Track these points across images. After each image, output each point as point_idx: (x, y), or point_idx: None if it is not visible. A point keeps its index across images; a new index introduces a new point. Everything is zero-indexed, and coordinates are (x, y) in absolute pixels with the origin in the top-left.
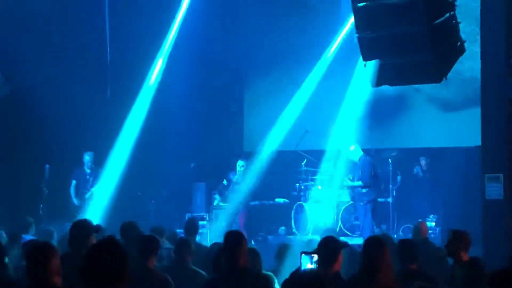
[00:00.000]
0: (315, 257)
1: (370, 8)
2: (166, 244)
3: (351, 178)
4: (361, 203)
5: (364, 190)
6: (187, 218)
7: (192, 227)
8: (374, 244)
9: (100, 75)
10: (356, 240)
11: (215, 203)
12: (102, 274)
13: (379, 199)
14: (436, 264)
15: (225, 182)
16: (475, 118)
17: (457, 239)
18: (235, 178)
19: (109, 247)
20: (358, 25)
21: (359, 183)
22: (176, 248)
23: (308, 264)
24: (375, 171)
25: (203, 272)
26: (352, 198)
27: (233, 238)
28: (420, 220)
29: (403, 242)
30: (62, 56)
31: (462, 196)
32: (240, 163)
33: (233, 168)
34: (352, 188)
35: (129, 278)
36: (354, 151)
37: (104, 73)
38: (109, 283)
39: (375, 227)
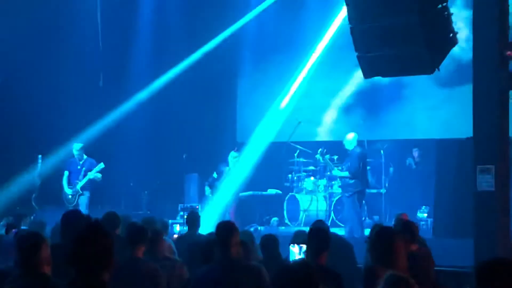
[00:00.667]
0: (304, 247)
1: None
2: None
3: (341, 168)
4: (346, 194)
5: (351, 181)
6: (179, 209)
7: (193, 219)
8: (387, 235)
9: (92, 64)
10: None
11: (206, 193)
12: (89, 258)
13: (371, 190)
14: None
15: (215, 175)
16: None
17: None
18: (227, 169)
19: (95, 231)
20: (350, 16)
21: (346, 173)
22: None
23: (297, 255)
24: (364, 163)
25: None
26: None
27: (225, 229)
28: (402, 212)
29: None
30: (54, 45)
31: (454, 187)
32: (233, 154)
33: (224, 160)
34: (340, 178)
35: (114, 263)
36: (351, 140)
37: (96, 62)
38: (96, 267)
39: (367, 218)
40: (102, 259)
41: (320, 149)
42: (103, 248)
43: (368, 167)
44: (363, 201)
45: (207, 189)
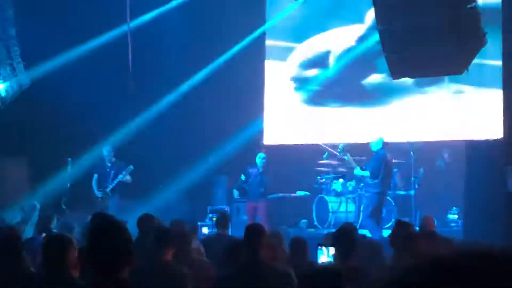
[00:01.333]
0: (332, 250)
1: (390, 0)
2: None
3: (364, 167)
4: (366, 194)
5: (370, 182)
6: (208, 211)
7: (224, 220)
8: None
9: (123, 68)
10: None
11: (235, 196)
12: (105, 255)
13: (400, 192)
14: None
15: (243, 177)
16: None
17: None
18: (255, 171)
19: (110, 227)
20: (378, 17)
21: (367, 173)
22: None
23: (325, 257)
24: (387, 165)
25: None
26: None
27: (254, 231)
28: (427, 214)
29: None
30: (84, 48)
31: (485, 188)
32: (260, 155)
33: (251, 162)
34: (361, 178)
35: (133, 262)
36: (376, 142)
37: (126, 66)
38: (114, 264)
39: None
40: (119, 255)
41: (341, 144)
42: (119, 244)
43: (395, 170)
44: (384, 203)
45: (235, 192)
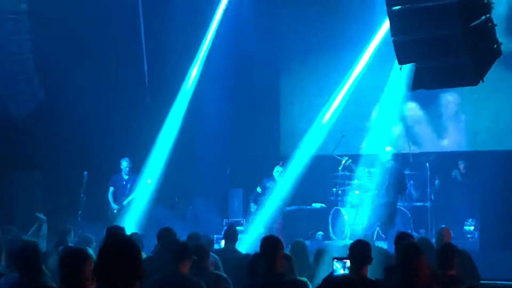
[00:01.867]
0: (347, 262)
1: (405, 11)
2: None
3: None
4: (375, 205)
5: (377, 193)
6: (224, 223)
7: (232, 234)
8: (410, 249)
9: (139, 81)
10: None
11: (251, 209)
12: (114, 271)
13: (416, 203)
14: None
15: (259, 189)
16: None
17: None
18: (272, 184)
19: (120, 243)
20: (393, 28)
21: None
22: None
23: (341, 270)
24: (393, 176)
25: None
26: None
27: (270, 244)
28: (443, 226)
29: (443, 247)
30: (99, 61)
31: (501, 199)
32: (278, 168)
33: (267, 174)
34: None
35: (142, 276)
36: (386, 154)
37: (142, 78)
38: (122, 280)
39: (413, 231)
40: (128, 270)
41: (344, 158)
42: (128, 259)
43: (411, 182)
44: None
45: (252, 205)
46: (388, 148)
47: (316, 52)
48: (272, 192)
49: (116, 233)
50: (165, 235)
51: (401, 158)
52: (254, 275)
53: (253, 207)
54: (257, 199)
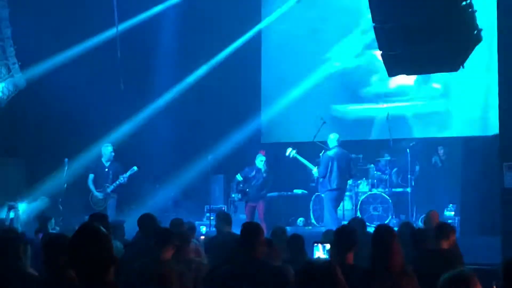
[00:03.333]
0: (328, 246)
1: None
2: None
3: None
4: (320, 193)
5: (321, 180)
6: (205, 210)
7: (225, 217)
8: (383, 232)
9: (112, 68)
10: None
11: (235, 198)
12: (83, 260)
13: (397, 189)
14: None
15: (239, 177)
16: (493, 106)
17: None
18: (255, 173)
19: (88, 233)
20: (374, 15)
21: (316, 173)
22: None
23: (320, 253)
24: (335, 163)
25: None
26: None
27: (250, 230)
28: (432, 209)
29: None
30: (78, 49)
31: (481, 185)
32: (261, 158)
33: (249, 161)
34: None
35: (113, 263)
36: (330, 140)
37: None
38: (93, 268)
39: (394, 217)
40: (100, 260)
41: (289, 149)
42: (99, 249)
43: (395, 169)
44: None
45: (235, 196)
46: (332, 135)
47: (296, 39)
48: (258, 182)
49: (98, 220)
50: (147, 222)
51: (345, 145)
52: (233, 260)
53: (237, 197)
54: (242, 190)
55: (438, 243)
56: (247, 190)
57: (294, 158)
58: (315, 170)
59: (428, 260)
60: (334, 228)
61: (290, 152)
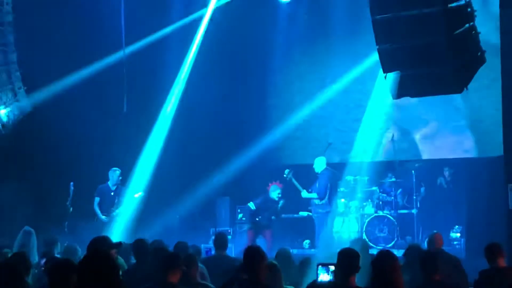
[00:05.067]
0: (331, 268)
1: (389, 20)
2: None
3: (310, 190)
4: (315, 215)
5: (318, 202)
6: (211, 233)
7: (222, 241)
8: (385, 257)
9: (117, 91)
10: None
11: (239, 218)
12: (91, 284)
13: (402, 211)
14: (454, 273)
15: (252, 206)
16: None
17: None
18: (266, 204)
19: (96, 258)
20: (377, 37)
21: (315, 195)
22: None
23: (325, 275)
24: (332, 185)
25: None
26: (311, 210)
27: (253, 254)
28: (435, 231)
29: (425, 254)
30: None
31: (486, 206)
32: (277, 190)
33: (254, 183)
34: (309, 199)
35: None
36: (319, 163)
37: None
38: None
39: (400, 239)
40: (103, 283)
41: (287, 170)
42: (102, 273)
43: (399, 190)
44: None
45: (247, 226)
46: (319, 158)
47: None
48: (270, 211)
49: (96, 245)
50: (140, 247)
51: (332, 166)
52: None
53: (247, 226)
54: (254, 222)
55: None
56: (257, 219)
57: (290, 180)
58: (311, 192)
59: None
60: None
61: (287, 174)
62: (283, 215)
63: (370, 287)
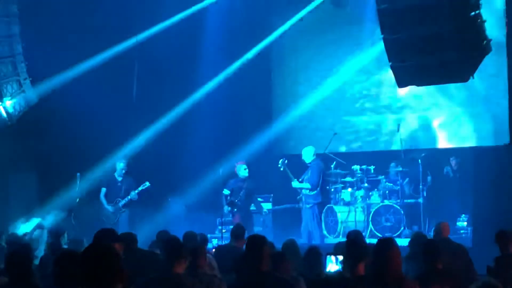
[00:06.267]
0: (340, 258)
1: (394, 9)
2: None
3: (301, 179)
4: (307, 206)
5: (310, 193)
6: (217, 223)
7: (237, 233)
8: (382, 245)
9: (124, 81)
10: None
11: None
12: (93, 275)
13: (409, 200)
14: (459, 261)
15: (226, 191)
16: (504, 116)
17: None
18: (238, 184)
19: (98, 249)
20: (383, 26)
21: (307, 185)
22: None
23: (333, 265)
24: (324, 175)
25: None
26: (299, 200)
27: (255, 243)
28: (442, 220)
29: (427, 243)
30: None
31: (493, 195)
32: (244, 166)
33: (261, 175)
34: (300, 190)
35: (123, 279)
36: (308, 153)
37: (127, 78)
38: (103, 284)
39: (406, 228)
40: (109, 276)
41: (281, 160)
42: (104, 264)
43: (407, 179)
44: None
45: (225, 208)
46: (308, 148)
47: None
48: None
49: (100, 237)
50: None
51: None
52: (239, 272)
53: (226, 209)
54: (228, 200)
55: None
56: (236, 201)
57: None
58: (301, 182)
59: None
60: (319, 242)
61: (281, 164)
62: (287, 205)
63: (370, 275)
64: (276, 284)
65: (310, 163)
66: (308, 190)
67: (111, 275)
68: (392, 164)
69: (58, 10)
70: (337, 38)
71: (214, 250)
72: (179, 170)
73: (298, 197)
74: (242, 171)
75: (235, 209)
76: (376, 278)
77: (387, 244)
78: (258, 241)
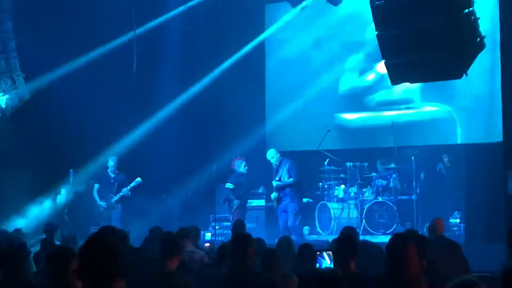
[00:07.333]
0: (331, 254)
1: (388, 5)
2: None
3: (278, 178)
4: (292, 203)
5: (294, 188)
6: (211, 219)
7: (237, 229)
8: (395, 242)
9: (116, 79)
10: (381, 238)
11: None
12: (91, 271)
13: (402, 197)
14: (452, 258)
15: (230, 185)
16: (497, 113)
17: None
18: (240, 180)
19: (96, 244)
20: (377, 23)
21: (291, 180)
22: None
23: (325, 262)
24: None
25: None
26: (277, 199)
27: (239, 241)
28: (437, 217)
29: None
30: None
31: (485, 192)
32: (243, 163)
33: (254, 172)
34: (282, 187)
35: (124, 273)
36: (272, 154)
37: (128, 76)
38: (101, 280)
39: (399, 225)
40: (107, 270)
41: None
42: (106, 259)
43: (394, 175)
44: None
45: (236, 202)
46: (270, 150)
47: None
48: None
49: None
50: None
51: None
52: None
53: (237, 202)
54: (236, 194)
55: None
56: (241, 194)
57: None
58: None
59: None
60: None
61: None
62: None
63: (385, 275)
64: (259, 282)
65: (281, 161)
66: (291, 187)
67: (110, 272)
68: (378, 162)
69: (51, 6)
70: (330, 35)
71: (208, 245)
72: (172, 167)
73: (273, 196)
74: (242, 167)
75: (236, 205)
76: (391, 279)
77: (402, 240)
78: (243, 239)
